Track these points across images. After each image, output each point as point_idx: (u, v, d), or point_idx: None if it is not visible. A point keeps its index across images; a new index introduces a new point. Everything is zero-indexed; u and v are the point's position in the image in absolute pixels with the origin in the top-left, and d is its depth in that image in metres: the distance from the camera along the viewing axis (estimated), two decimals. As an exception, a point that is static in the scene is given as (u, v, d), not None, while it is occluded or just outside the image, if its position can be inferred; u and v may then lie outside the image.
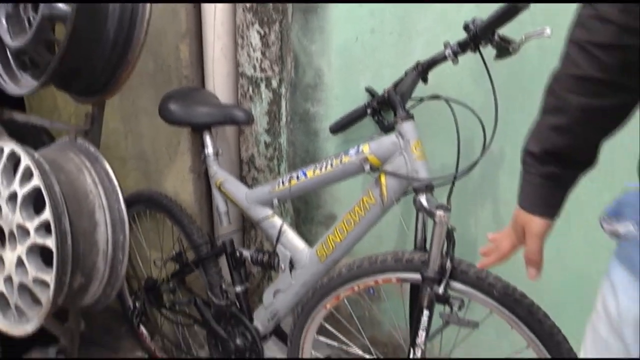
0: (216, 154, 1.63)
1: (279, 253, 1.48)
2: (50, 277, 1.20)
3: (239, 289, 1.61)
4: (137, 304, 1.89)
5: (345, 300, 1.42)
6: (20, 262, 1.26)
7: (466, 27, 1.17)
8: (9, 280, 1.30)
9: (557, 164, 0.79)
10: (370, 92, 1.48)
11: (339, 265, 1.36)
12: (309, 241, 1.47)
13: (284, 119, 1.72)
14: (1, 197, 1.29)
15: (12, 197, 1.27)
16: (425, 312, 1.16)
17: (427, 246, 1.21)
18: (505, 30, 1.16)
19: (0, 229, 1.31)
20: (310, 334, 1.43)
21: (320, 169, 1.36)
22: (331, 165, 1.34)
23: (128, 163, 1.99)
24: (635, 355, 0.72)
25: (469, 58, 1.22)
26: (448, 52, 1.20)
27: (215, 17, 1.69)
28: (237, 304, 1.62)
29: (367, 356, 1.46)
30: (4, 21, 1.32)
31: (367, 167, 1.27)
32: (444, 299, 1.15)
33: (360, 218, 1.31)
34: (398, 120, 1.24)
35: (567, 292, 1.42)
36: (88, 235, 1.27)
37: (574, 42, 0.72)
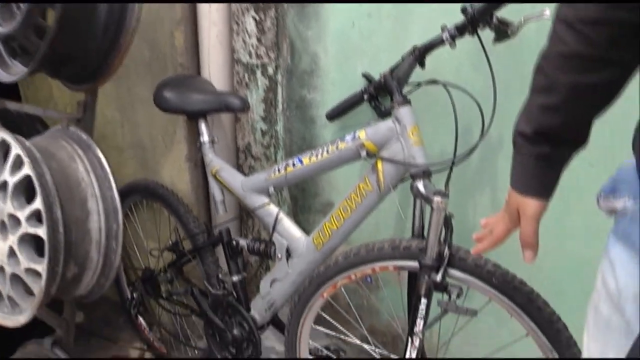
0: (212, 142, 1.61)
1: (275, 242, 1.46)
2: (42, 267, 1.19)
3: (235, 278, 1.60)
4: (134, 295, 1.88)
5: (343, 289, 1.40)
6: (12, 253, 1.25)
7: (464, 10, 1.14)
8: (1, 270, 1.29)
9: (548, 143, 0.78)
10: (367, 77, 1.45)
11: (336, 254, 1.34)
12: (307, 230, 1.45)
13: (280, 106, 1.70)
14: (-9, 186, 1.28)
15: (3, 186, 1.25)
16: (423, 301, 1.15)
17: (425, 233, 1.19)
18: (504, 13, 1.14)
19: (-9, 218, 1.30)
20: (307, 323, 1.41)
21: (317, 156, 1.34)
22: (327, 151, 1.32)
23: (125, 152, 1.98)
24: (637, 331, 0.71)
25: (467, 42, 1.20)
26: (445, 35, 1.18)
27: (210, 4, 1.66)
28: (234, 293, 1.61)
29: (366, 346, 1.45)
30: (-8, 7, 1.30)
31: (364, 153, 1.26)
32: (442, 287, 1.13)
33: (356, 205, 1.29)
34: (395, 106, 1.22)
35: (566, 278, 1.40)
36: (80, 224, 1.26)
37: (560, 20, 0.70)
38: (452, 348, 1.39)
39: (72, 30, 1.21)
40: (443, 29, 1.18)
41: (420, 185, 1.18)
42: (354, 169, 1.47)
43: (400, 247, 1.20)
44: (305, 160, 1.36)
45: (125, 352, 2.11)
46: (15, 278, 1.27)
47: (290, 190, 1.80)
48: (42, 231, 1.17)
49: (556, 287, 1.38)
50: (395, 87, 1.23)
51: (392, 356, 1.43)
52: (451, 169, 1.22)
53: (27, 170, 1.19)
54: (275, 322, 1.62)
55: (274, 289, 1.49)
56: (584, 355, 0.82)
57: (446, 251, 1.12)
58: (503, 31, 1.16)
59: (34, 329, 1.64)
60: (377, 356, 1.44)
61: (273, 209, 1.47)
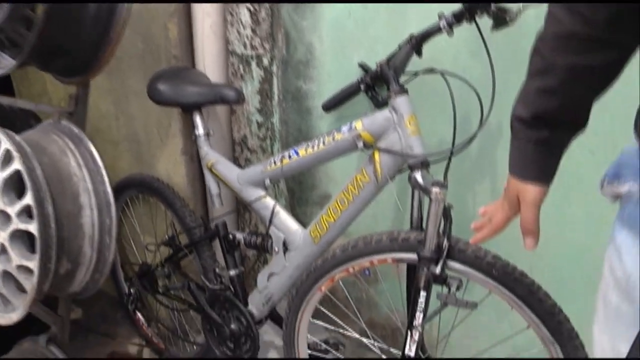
0: (207, 134, 1.59)
1: (272, 235, 1.44)
2: (34, 263, 1.16)
3: (232, 272, 1.58)
4: (132, 290, 1.86)
5: (341, 283, 1.38)
6: (3, 249, 1.22)
7: (461, -3, 1.12)
8: (-8, 267, 1.27)
9: (547, 127, 0.76)
10: (364, 67, 1.43)
11: (333, 247, 1.32)
12: (304, 222, 1.43)
13: (276, 98, 1.68)
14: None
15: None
16: (422, 293, 1.13)
17: (424, 225, 1.17)
18: (502, -1, 1.12)
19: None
20: (305, 317, 1.39)
21: (313, 147, 1.32)
22: (323, 143, 1.30)
23: (120, 146, 1.96)
24: None
25: (464, 29, 1.18)
26: (442, 23, 1.16)
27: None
28: (232, 288, 1.59)
29: (365, 339, 1.43)
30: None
31: (360, 144, 1.23)
32: (442, 280, 1.11)
33: (354, 197, 1.27)
34: (391, 95, 1.19)
35: (567, 267, 1.38)
36: (72, 219, 1.23)
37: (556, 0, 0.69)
38: (452, 341, 1.37)
39: (61, 21, 1.18)
40: (440, 16, 1.16)
41: (418, 176, 1.16)
42: (352, 160, 1.45)
43: (399, 239, 1.18)
44: (302, 151, 1.34)
45: (123, 348, 2.10)
46: (6, 275, 1.24)
47: (287, 183, 1.78)
48: (33, 227, 1.15)
49: (557, 277, 1.36)
50: (391, 76, 1.21)
51: (392, 350, 1.41)
52: (450, 159, 1.20)
53: (17, 165, 1.16)
54: (274, 316, 1.60)
55: (271, 283, 1.47)
56: (595, 349, 0.80)
57: (445, 243, 1.10)
58: (501, 18, 1.13)
59: (31, 326, 1.63)
60: (377, 350, 1.42)
61: (269, 201, 1.45)
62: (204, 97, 1.54)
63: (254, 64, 1.67)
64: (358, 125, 1.24)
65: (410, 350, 1.17)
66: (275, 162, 1.39)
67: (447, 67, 1.26)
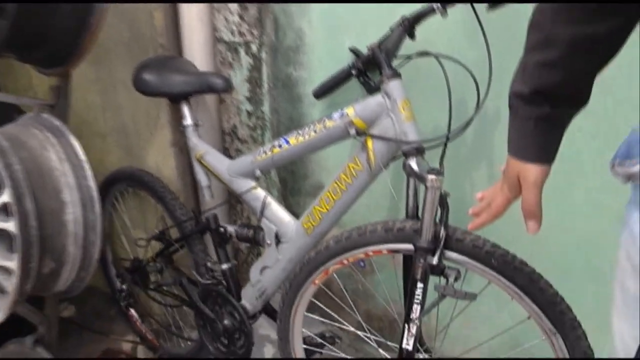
0: (195, 125, 1.56)
1: (264, 227, 1.40)
2: (14, 264, 1.12)
3: (225, 266, 1.54)
4: (123, 286, 1.82)
5: (335, 275, 1.34)
6: (-19, 249, 1.18)
7: (455, -24, 1.07)
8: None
9: (548, 103, 0.73)
10: (355, 52, 1.38)
11: (327, 238, 1.28)
12: (297, 213, 1.39)
13: (265, 86, 1.63)
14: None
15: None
16: (419, 285, 1.08)
17: (419, 214, 1.14)
18: (498, -24, 1.07)
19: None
20: (300, 312, 1.36)
21: (303, 136, 1.27)
22: (314, 131, 1.25)
23: (108, 138, 1.93)
24: None
25: (459, 10, 1.14)
26: (436, 4, 1.11)
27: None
28: (224, 282, 1.55)
29: (360, 333, 1.39)
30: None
31: (353, 131, 1.19)
32: (439, 270, 1.07)
33: (347, 186, 1.22)
34: (384, 79, 1.15)
35: (569, 255, 1.35)
36: (55, 216, 1.19)
37: None
38: (450, 332, 1.33)
39: (36, 9, 1.13)
40: (433, -4, 1.11)
41: (413, 163, 1.11)
42: (345, 148, 1.41)
43: (394, 229, 1.14)
44: (292, 140, 1.29)
45: (118, 346, 2.07)
46: (-13, 276, 1.20)
47: (279, 173, 1.74)
48: (11, 225, 1.10)
49: (558, 265, 1.33)
50: (383, 60, 1.16)
51: (389, 343, 1.37)
52: (445, 144, 1.16)
53: (-6, 160, 1.12)
54: (268, 310, 1.56)
55: (264, 276, 1.43)
56: (615, 339, 0.77)
57: (442, 232, 1.06)
58: (497, -3, 1.08)
59: (20, 326, 1.58)
60: (373, 344, 1.38)
61: (260, 193, 1.40)
62: (191, 86, 1.50)
63: (242, 51, 1.62)
64: (350, 111, 1.19)
65: (408, 344, 1.13)
66: (265, 152, 1.35)
67: (442, 50, 1.22)
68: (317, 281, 1.29)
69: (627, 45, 0.68)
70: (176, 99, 1.55)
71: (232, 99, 1.71)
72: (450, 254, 1.08)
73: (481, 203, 0.91)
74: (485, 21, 1.11)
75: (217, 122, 1.77)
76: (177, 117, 1.69)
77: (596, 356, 1.04)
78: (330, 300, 1.49)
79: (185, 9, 1.62)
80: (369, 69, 1.28)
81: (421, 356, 1.22)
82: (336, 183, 1.24)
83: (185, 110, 1.54)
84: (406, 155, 1.12)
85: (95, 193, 1.25)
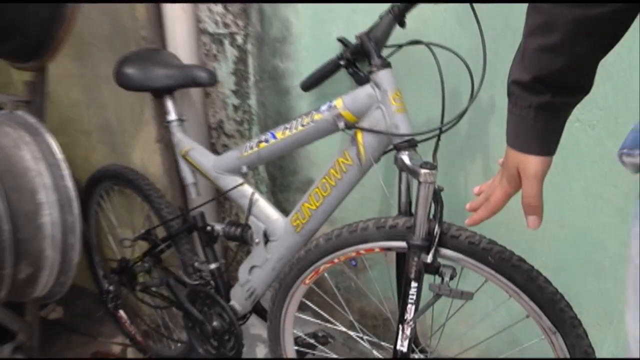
0: (180, 120, 1.51)
1: (251, 225, 1.35)
2: (-13, 268, 1.07)
3: (213, 266, 1.49)
4: (111, 288, 1.77)
5: (326, 274, 1.29)
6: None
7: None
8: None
9: (549, 90, 0.69)
10: (343, 42, 1.33)
11: (317, 236, 1.23)
12: (287, 210, 1.34)
13: (252, 78, 1.57)
14: None
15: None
16: (413, 284, 1.04)
17: (413, 210, 1.09)
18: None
19: None
20: (290, 312, 1.31)
21: (291, 130, 1.22)
22: (302, 124, 1.20)
23: (93, 136, 1.88)
24: None
25: (451, -5, 1.09)
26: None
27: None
28: (212, 282, 1.50)
29: (353, 333, 1.35)
30: None
31: (342, 124, 1.13)
32: (434, 269, 1.02)
33: (336, 182, 1.17)
34: (373, 69, 1.09)
35: (567, 251, 1.30)
36: (30, 218, 1.13)
37: None
38: (447, 330, 1.29)
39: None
40: (423, -19, 1.06)
41: (405, 156, 1.06)
42: (335, 142, 1.36)
43: (386, 226, 1.09)
44: (279, 134, 1.24)
45: (107, 348, 2.03)
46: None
47: (268, 168, 1.69)
48: (-17, 229, 1.05)
49: (556, 261, 1.29)
50: (373, 49, 1.11)
51: (383, 343, 1.32)
52: (439, 137, 1.11)
53: (-36, 160, 1.06)
54: (258, 310, 1.51)
55: (253, 276, 1.39)
56: (629, 339, 0.72)
57: (437, 229, 1.01)
58: (491, -19, 1.04)
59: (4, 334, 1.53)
60: (366, 344, 1.34)
61: (247, 189, 1.35)
62: (174, 80, 1.45)
63: (227, 43, 1.57)
64: (338, 103, 1.14)
65: (402, 345, 1.09)
66: (251, 147, 1.30)
67: (433, 39, 1.17)
68: (307, 281, 1.24)
69: (627, 28, 0.64)
70: (159, 94, 1.50)
71: (217, 93, 1.66)
72: (445, 251, 1.03)
73: (479, 198, 0.88)
74: (478, 7, 1.07)
75: (203, 116, 1.72)
76: (162, 113, 1.64)
77: (596, 354, 1.00)
78: (322, 299, 1.45)
79: None
80: (358, 59, 1.23)
81: (416, 356, 1.18)
82: (325, 179, 1.19)
83: (169, 105, 1.49)
84: (398, 148, 1.08)
85: (73, 193, 1.20)
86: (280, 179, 1.69)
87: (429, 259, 1.01)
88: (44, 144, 1.20)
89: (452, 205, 1.05)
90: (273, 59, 1.54)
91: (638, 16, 0.62)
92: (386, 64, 1.09)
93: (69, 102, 1.84)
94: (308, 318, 1.38)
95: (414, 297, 1.05)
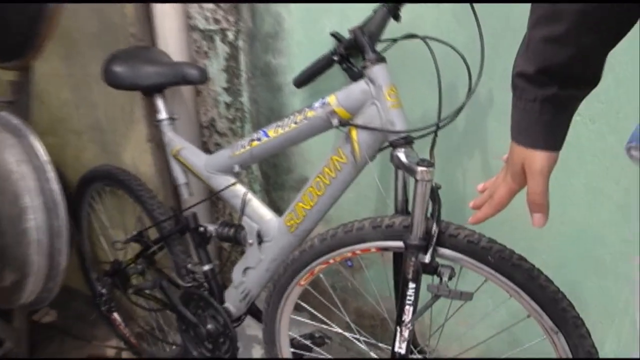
0: (171, 119, 1.48)
1: (245, 225, 1.32)
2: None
3: (206, 268, 1.46)
4: (103, 290, 1.74)
5: (321, 275, 1.26)
6: None
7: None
8: None
9: (555, 83, 0.66)
10: (337, 37, 1.29)
11: (312, 236, 1.20)
12: (282, 209, 1.32)
13: (243, 75, 1.54)
14: None
15: None
16: (411, 285, 1.01)
17: (409, 209, 1.06)
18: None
19: None
20: (285, 314, 1.28)
21: (283, 127, 1.19)
22: (295, 122, 1.17)
23: (83, 136, 1.85)
24: None
25: (447, -13, 1.06)
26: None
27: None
28: (206, 284, 1.47)
29: (348, 334, 1.32)
30: None
31: (335, 121, 1.11)
32: (432, 269, 0.99)
33: (331, 180, 1.14)
34: (367, 64, 1.06)
35: (568, 248, 1.28)
36: (14, 223, 1.09)
37: None
38: (446, 330, 1.26)
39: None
40: (418, -27, 1.03)
41: (401, 154, 1.03)
42: (329, 139, 1.33)
43: (383, 225, 1.06)
44: (271, 132, 1.21)
45: (101, 351, 2.00)
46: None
47: (261, 167, 1.66)
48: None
49: (557, 258, 1.26)
50: (367, 43, 1.08)
51: (380, 345, 1.30)
52: (436, 133, 1.08)
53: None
54: (254, 311, 1.48)
55: (247, 277, 1.36)
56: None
57: (434, 228, 0.98)
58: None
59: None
60: (363, 346, 1.31)
61: (240, 189, 1.32)
62: (164, 77, 1.42)
63: (218, 40, 1.53)
64: (331, 100, 1.11)
65: (401, 347, 1.06)
66: (243, 146, 1.27)
67: (429, 32, 1.14)
68: (302, 282, 1.21)
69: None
70: (149, 92, 1.47)
71: (209, 90, 1.63)
72: (444, 251, 1.00)
73: (482, 195, 0.85)
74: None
75: (194, 115, 1.69)
76: (152, 111, 1.61)
77: (598, 352, 0.97)
78: (318, 300, 1.42)
79: (157, -4, 1.53)
80: (352, 54, 1.19)
81: (415, 357, 1.16)
82: (319, 177, 1.16)
83: (160, 103, 1.46)
84: (393, 145, 1.05)
85: (59, 196, 1.16)
86: (274, 177, 1.66)
87: (427, 258, 0.98)
88: (29, 146, 1.17)
89: (450, 203, 1.03)
90: (265, 55, 1.51)
91: None
92: (381, 59, 1.06)
93: (59, 102, 1.81)
94: (304, 320, 1.35)
95: (412, 298, 1.02)
